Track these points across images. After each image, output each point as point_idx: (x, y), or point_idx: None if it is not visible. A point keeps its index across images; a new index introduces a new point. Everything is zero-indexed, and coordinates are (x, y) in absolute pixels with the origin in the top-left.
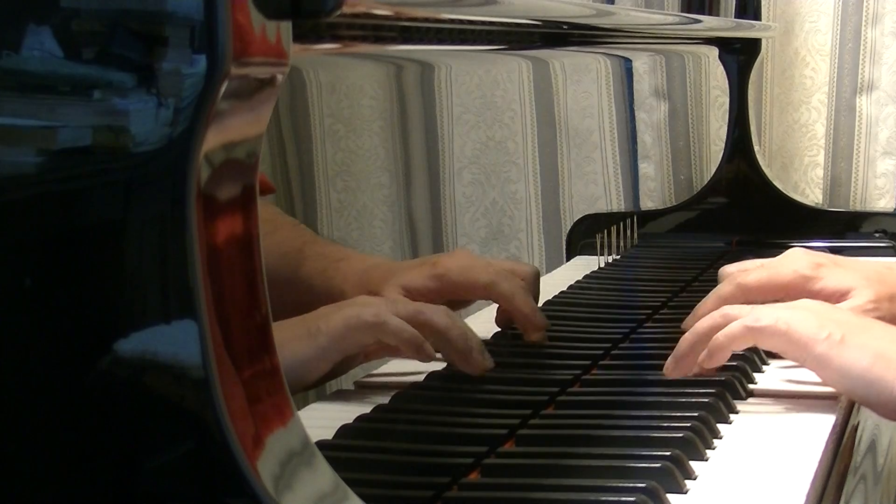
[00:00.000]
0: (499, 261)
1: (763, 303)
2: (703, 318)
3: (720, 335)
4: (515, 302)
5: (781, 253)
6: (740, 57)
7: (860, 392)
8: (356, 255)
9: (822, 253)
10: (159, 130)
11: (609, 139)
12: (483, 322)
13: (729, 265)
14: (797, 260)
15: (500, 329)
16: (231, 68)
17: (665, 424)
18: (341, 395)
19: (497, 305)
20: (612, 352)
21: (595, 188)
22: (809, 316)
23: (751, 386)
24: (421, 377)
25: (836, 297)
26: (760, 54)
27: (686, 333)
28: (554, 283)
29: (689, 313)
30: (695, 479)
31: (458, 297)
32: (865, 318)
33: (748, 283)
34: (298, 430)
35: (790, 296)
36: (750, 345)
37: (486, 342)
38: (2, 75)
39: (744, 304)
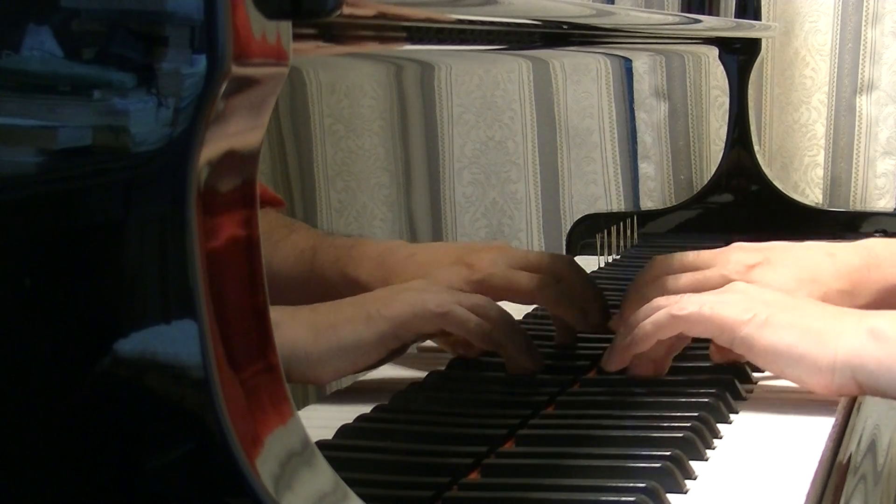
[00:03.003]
0: (535, 254)
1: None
2: (637, 311)
3: (646, 323)
4: (562, 310)
5: None
6: (740, 57)
7: (789, 371)
8: (368, 241)
9: (760, 248)
10: (159, 130)
11: (609, 139)
12: None
13: (661, 259)
14: (728, 264)
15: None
16: (231, 68)
17: (665, 424)
18: (341, 395)
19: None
20: None
21: (595, 188)
22: (736, 299)
23: (751, 386)
24: (421, 377)
25: None
26: (760, 54)
27: (620, 327)
28: None
29: None
30: (695, 479)
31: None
32: (796, 297)
33: (683, 315)
34: (298, 430)
35: None
36: (676, 332)
37: None
38: (2, 75)
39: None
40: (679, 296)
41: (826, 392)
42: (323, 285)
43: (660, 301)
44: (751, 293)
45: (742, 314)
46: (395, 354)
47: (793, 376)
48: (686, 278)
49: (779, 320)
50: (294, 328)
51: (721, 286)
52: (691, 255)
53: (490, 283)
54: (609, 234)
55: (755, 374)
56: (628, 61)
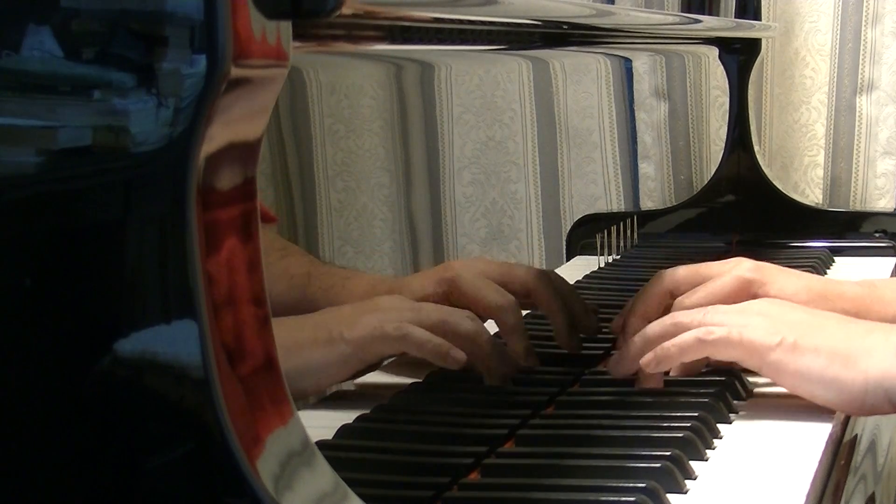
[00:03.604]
0: (517, 268)
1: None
2: (654, 324)
3: (671, 345)
4: (512, 338)
5: (781, 252)
6: (740, 57)
7: (819, 394)
8: (363, 274)
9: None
10: (159, 130)
11: (609, 139)
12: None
13: (669, 273)
14: (739, 264)
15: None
16: (231, 68)
17: (665, 424)
18: (341, 395)
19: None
20: (613, 352)
21: (595, 188)
22: (761, 322)
23: (751, 386)
24: (421, 377)
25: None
26: (760, 54)
27: (636, 337)
28: None
29: None
30: (695, 479)
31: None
32: (820, 314)
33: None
34: (298, 430)
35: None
36: (702, 356)
37: None
38: (2, 75)
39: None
40: (703, 313)
41: (859, 413)
42: (313, 311)
43: (680, 320)
44: (773, 314)
45: (769, 338)
46: (366, 371)
47: (824, 399)
48: (702, 292)
49: (806, 343)
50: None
51: (737, 288)
52: (698, 266)
53: (461, 290)
54: (609, 234)
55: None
56: (628, 61)
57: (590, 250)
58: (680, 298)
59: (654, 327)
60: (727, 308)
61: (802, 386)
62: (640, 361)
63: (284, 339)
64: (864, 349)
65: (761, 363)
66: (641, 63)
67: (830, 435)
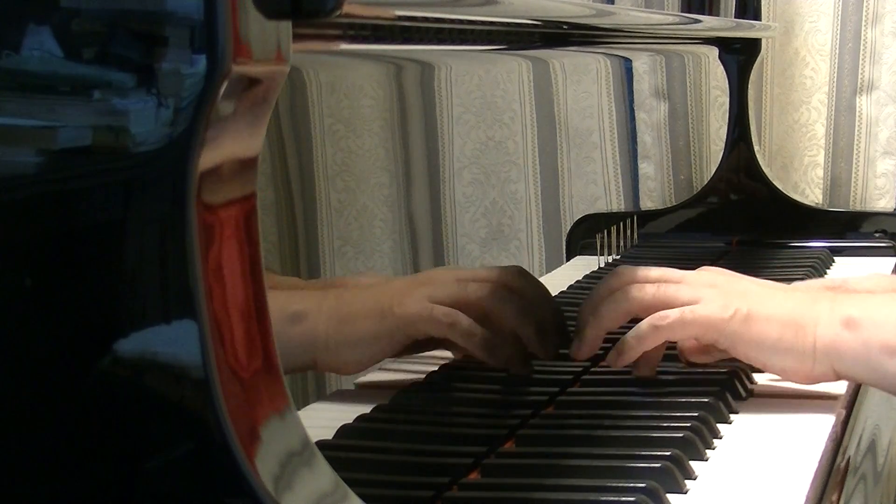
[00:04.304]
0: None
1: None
2: (607, 301)
3: (629, 338)
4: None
5: (781, 252)
6: (740, 57)
7: (774, 362)
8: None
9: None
10: (159, 130)
11: (609, 139)
12: None
13: (626, 270)
14: (699, 276)
15: None
16: (231, 68)
17: (665, 424)
18: (341, 395)
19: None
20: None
21: (595, 188)
22: (713, 295)
23: (751, 386)
24: (421, 377)
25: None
26: (760, 54)
27: (589, 318)
28: (554, 283)
29: None
30: (695, 479)
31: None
32: (766, 283)
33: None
34: (298, 430)
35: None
36: (661, 341)
37: None
38: (2, 75)
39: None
40: (654, 287)
41: (806, 381)
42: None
43: (633, 292)
44: (721, 283)
45: (723, 311)
46: (417, 349)
47: (776, 368)
48: (654, 290)
49: (759, 312)
50: (318, 317)
51: (688, 301)
52: (658, 271)
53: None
54: (609, 234)
55: (755, 374)
56: (628, 61)
57: (590, 250)
58: (631, 286)
59: (600, 292)
60: (678, 276)
61: (758, 355)
62: (606, 360)
63: (343, 311)
64: (811, 318)
65: (718, 336)
66: (641, 63)
67: (830, 435)
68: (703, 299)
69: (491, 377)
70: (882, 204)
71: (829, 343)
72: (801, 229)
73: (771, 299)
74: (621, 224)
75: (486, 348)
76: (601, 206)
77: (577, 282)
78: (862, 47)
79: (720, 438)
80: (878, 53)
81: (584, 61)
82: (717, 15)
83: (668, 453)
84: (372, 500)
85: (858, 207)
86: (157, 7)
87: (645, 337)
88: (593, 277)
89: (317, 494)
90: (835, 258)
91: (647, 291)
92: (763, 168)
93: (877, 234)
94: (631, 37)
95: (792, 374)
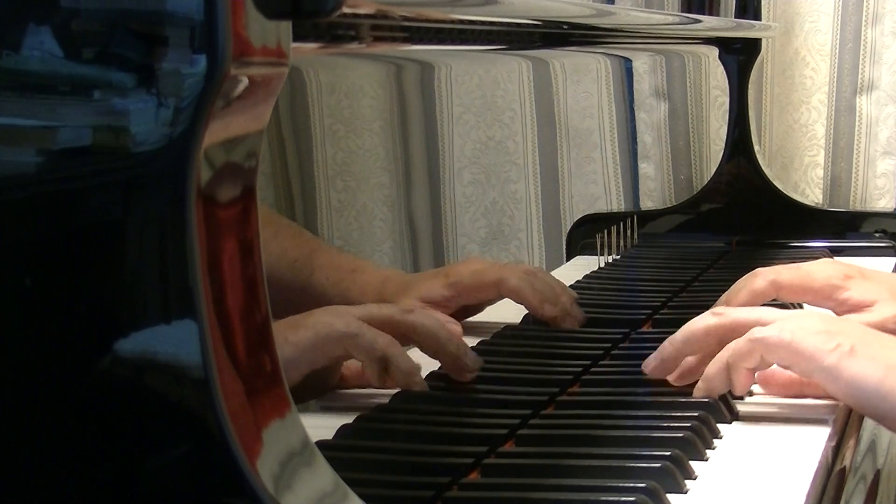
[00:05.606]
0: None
1: (792, 301)
2: (698, 328)
3: (727, 356)
4: (524, 294)
5: (781, 252)
6: (740, 57)
7: (873, 405)
8: (369, 267)
9: (853, 265)
10: (159, 130)
11: (609, 139)
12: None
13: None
14: (828, 268)
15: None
16: (231, 68)
17: (665, 424)
18: (341, 396)
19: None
20: (612, 352)
21: (595, 188)
22: (816, 324)
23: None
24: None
25: (859, 309)
26: (760, 54)
27: (676, 338)
28: None
29: (689, 314)
30: (695, 479)
31: (473, 300)
32: (873, 329)
33: (781, 280)
34: (298, 429)
35: (816, 301)
36: (755, 358)
37: (486, 342)
38: (2, 75)
39: (774, 299)
40: (756, 312)
41: None
42: (322, 303)
43: (734, 314)
44: (827, 320)
45: (826, 342)
46: (322, 380)
47: (874, 412)
48: (793, 271)
49: (863, 352)
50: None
51: (822, 287)
52: (793, 265)
53: (461, 283)
54: (609, 234)
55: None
56: (628, 61)
57: (590, 250)
58: (768, 270)
59: (699, 329)
60: (780, 311)
61: (856, 396)
62: (683, 365)
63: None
64: None
65: (814, 367)
66: (641, 63)
67: (830, 435)
68: (805, 328)
69: (491, 377)
70: (882, 204)
71: None
72: (801, 229)
73: (877, 341)
74: (621, 224)
75: (380, 369)
76: (601, 206)
77: (577, 282)
78: (862, 47)
79: (720, 438)
80: (878, 53)
81: (584, 61)
82: (717, 15)
83: (668, 453)
84: (372, 500)
85: (858, 207)
86: (158, 7)
87: (744, 354)
88: (593, 277)
89: (317, 494)
90: (835, 258)
91: (750, 316)
92: (763, 168)
93: (877, 234)
94: (631, 37)
95: (890, 420)
